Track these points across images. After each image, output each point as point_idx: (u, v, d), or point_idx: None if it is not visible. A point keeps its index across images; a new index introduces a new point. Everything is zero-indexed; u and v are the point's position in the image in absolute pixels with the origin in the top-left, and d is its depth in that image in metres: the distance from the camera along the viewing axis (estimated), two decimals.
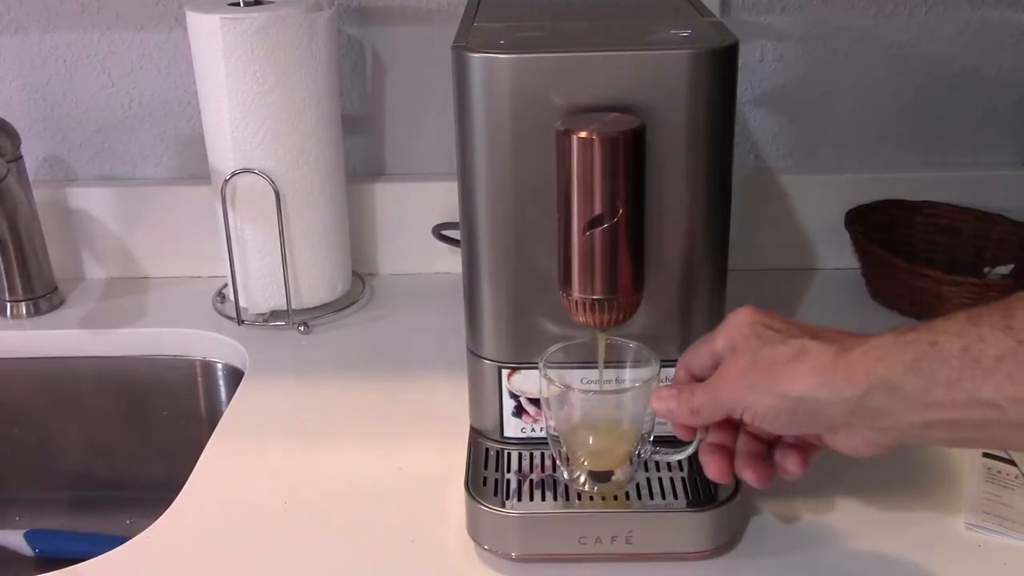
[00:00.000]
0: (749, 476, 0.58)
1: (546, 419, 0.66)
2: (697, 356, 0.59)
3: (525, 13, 0.73)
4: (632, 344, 0.65)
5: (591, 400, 0.65)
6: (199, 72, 0.92)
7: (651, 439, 0.65)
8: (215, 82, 0.90)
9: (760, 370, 0.53)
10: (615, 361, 0.66)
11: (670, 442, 0.68)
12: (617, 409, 0.64)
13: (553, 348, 0.65)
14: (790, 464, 0.58)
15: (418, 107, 1.05)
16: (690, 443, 0.64)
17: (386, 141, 1.07)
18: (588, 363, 0.66)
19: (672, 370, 0.67)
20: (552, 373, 0.63)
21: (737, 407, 0.54)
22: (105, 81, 1.04)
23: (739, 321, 0.56)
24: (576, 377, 0.66)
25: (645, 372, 0.64)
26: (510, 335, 0.68)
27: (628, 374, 0.66)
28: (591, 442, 0.65)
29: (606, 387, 0.67)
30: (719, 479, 0.60)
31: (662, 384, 0.62)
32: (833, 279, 1.06)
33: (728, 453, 0.60)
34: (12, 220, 0.97)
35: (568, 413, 0.64)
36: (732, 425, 0.59)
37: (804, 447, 0.59)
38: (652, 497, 0.66)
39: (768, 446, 0.59)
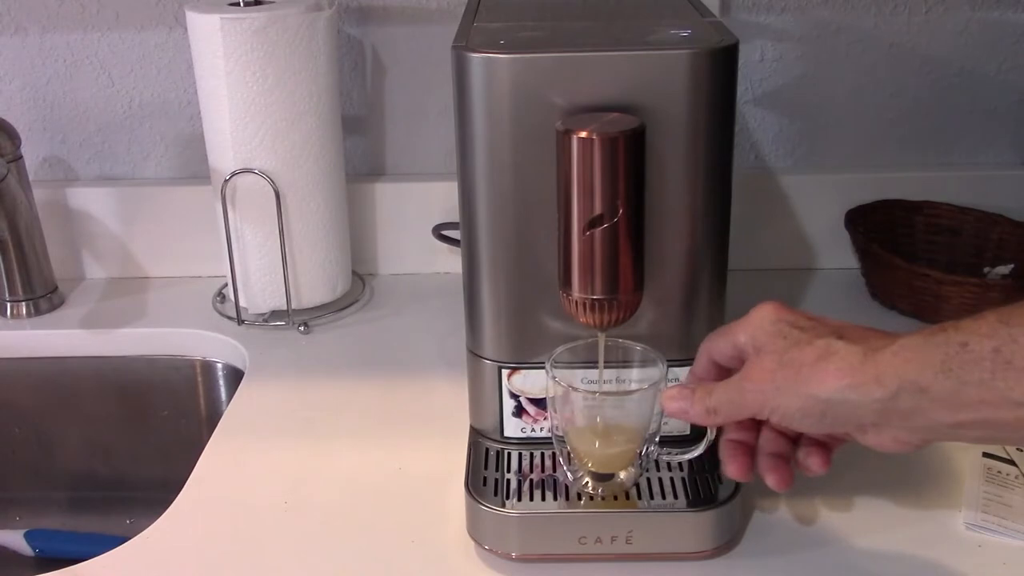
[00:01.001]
0: (772, 480, 0.58)
1: (551, 419, 0.66)
2: (719, 345, 0.58)
3: (525, 13, 0.73)
4: (639, 345, 0.65)
5: (598, 401, 0.65)
6: (199, 72, 0.92)
7: (657, 439, 0.65)
8: (215, 82, 0.90)
9: (787, 372, 0.52)
10: (621, 362, 0.66)
11: (677, 442, 0.68)
12: (623, 410, 0.64)
13: (560, 348, 0.65)
14: (814, 463, 0.58)
15: (418, 107, 1.05)
16: (698, 444, 0.64)
17: (386, 141, 1.07)
18: (594, 363, 0.66)
19: (677, 370, 0.68)
20: (558, 374, 0.63)
21: (764, 409, 0.54)
22: (105, 81, 1.04)
23: (763, 318, 0.55)
24: (578, 377, 0.66)
25: (652, 373, 0.64)
26: (510, 335, 0.68)
27: (635, 375, 0.66)
28: (596, 443, 0.65)
29: (605, 387, 0.67)
30: (740, 478, 0.59)
31: (670, 384, 0.61)
32: (833, 279, 1.06)
33: (749, 451, 0.59)
34: (12, 220, 0.97)
35: (574, 413, 0.64)
36: (754, 422, 0.59)
37: (827, 443, 0.58)
38: (652, 497, 0.66)
39: (792, 442, 0.59)
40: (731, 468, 0.59)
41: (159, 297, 1.05)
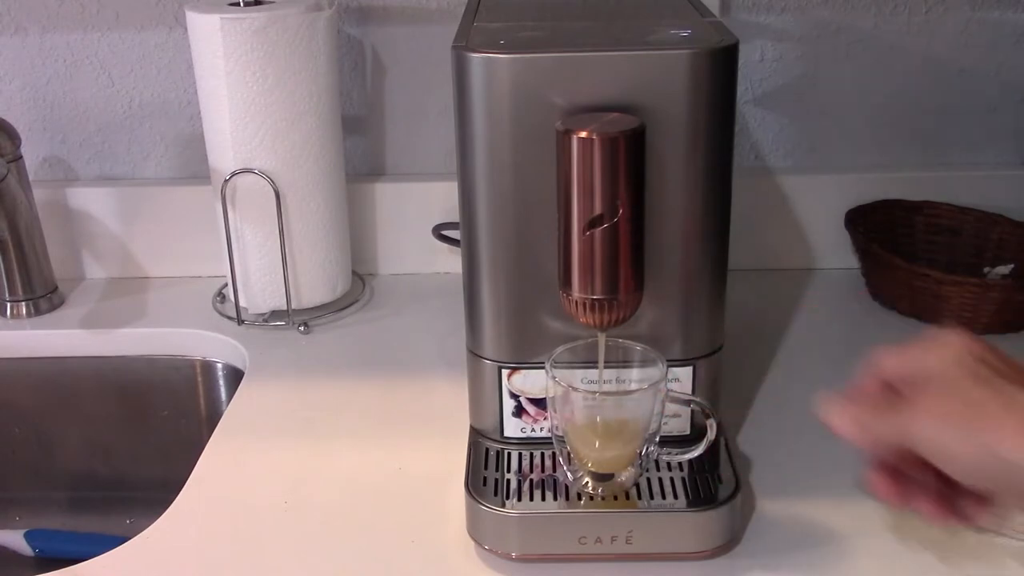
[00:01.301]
0: (928, 510, 0.53)
1: (551, 419, 0.66)
2: (895, 363, 0.53)
3: (525, 13, 0.73)
4: (639, 345, 0.65)
5: (598, 401, 0.65)
6: (199, 72, 0.92)
7: (657, 439, 0.65)
8: (215, 82, 0.90)
9: (966, 415, 0.47)
10: (621, 362, 0.66)
11: (677, 442, 0.68)
12: (624, 410, 0.64)
13: (560, 348, 0.65)
14: (972, 512, 0.53)
15: (418, 107, 1.05)
16: (698, 443, 0.64)
17: (386, 141, 1.07)
18: (594, 363, 0.66)
19: (677, 370, 0.68)
20: (558, 374, 0.63)
21: (929, 447, 0.49)
22: (105, 81, 1.04)
23: (955, 347, 0.50)
24: (578, 377, 0.66)
25: (652, 373, 0.64)
26: (510, 335, 0.68)
27: (634, 375, 0.66)
28: (596, 443, 0.65)
29: (605, 387, 0.67)
30: (890, 501, 0.54)
31: (670, 383, 0.61)
32: (833, 279, 1.06)
33: (902, 476, 0.54)
34: (12, 220, 0.97)
35: (574, 413, 0.64)
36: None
37: (987, 497, 0.53)
38: (652, 497, 0.66)
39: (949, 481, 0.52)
40: (880, 490, 0.54)
41: (159, 297, 1.05)
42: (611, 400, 0.65)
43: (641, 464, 0.66)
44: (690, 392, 0.69)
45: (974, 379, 0.49)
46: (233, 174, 0.92)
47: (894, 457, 0.53)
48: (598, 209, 0.59)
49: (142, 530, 0.70)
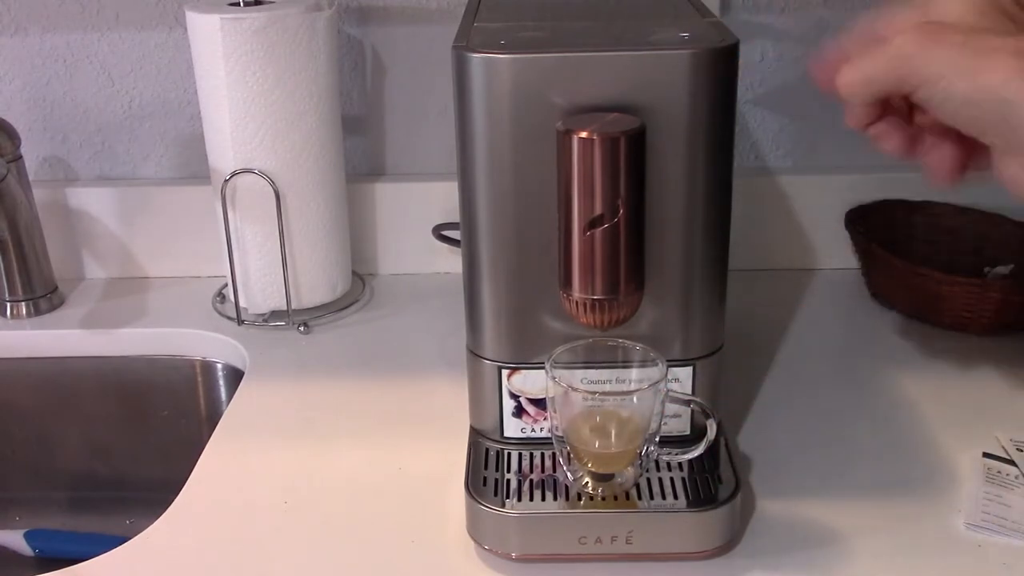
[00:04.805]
0: (940, 158, 0.52)
1: (551, 419, 0.66)
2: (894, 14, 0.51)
3: (525, 13, 0.73)
4: (639, 345, 0.65)
5: (598, 401, 0.65)
6: (199, 72, 0.92)
7: (657, 439, 0.65)
8: (215, 82, 0.90)
9: (971, 51, 0.46)
10: (621, 362, 0.66)
11: (677, 442, 0.68)
12: (624, 410, 0.64)
13: (560, 348, 0.65)
14: (939, 159, 0.52)
15: (418, 107, 1.05)
16: (698, 443, 0.64)
17: (386, 141, 1.07)
18: (594, 363, 0.67)
19: (677, 369, 0.68)
20: (558, 374, 0.63)
21: (921, 80, 0.48)
22: (105, 81, 1.04)
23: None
24: (578, 377, 0.66)
25: (652, 373, 0.64)
26: (510, 335, 0.68)
27: (634, 375, 0.66)
28: (596, 443, 0.65)
29: (605, 387, 0.68)
30: (896, 152, 0.54)
31: (670, 383, 0.61)
32: (833, 279, 1.06)
33: (902, 127, 0.53)
34: (12, 220, 0.97)
35: (574, 413, 0.64)
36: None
37: (966, 151, 0.52)
38: (652, 497, 0.66)
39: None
40: (893, 143, 0.54)
41: (159, 297, 1.05)
42: (611, 400, 0.65)
43: (641, 464, 0.66)
44: (690, 392, 0.70)
45: (985, 18, 0.48)
46: (233, 174, 0.92)
47: (882, 111, 0.53)
48: (598, 209, 0.59)
49: (142, 530, 0.70)
